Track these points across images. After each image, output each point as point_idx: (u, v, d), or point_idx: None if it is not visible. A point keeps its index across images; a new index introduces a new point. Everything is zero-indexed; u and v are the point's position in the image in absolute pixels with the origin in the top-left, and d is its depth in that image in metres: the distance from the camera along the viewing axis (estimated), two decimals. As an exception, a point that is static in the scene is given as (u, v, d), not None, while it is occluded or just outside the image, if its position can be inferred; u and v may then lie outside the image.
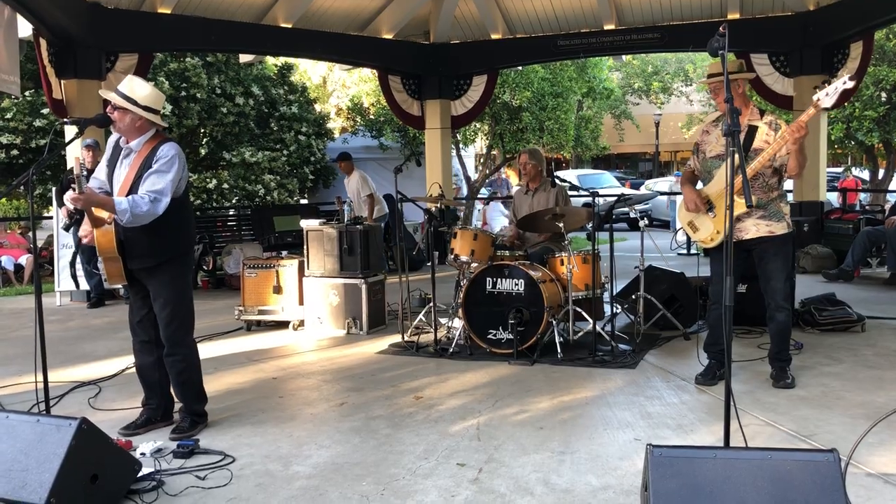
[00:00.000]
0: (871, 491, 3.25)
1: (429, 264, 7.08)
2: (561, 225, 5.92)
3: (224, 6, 9.95)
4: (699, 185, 5.02)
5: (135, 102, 3.99)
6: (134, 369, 4.44)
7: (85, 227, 4.11)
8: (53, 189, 9.14)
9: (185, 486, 3.50)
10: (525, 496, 3.31)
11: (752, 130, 4.63)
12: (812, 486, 2.54)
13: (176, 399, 4.36)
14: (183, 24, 9.69)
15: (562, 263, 6.06)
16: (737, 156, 3.09)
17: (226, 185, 13.77)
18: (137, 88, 4.05)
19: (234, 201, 14.20)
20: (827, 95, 4.18)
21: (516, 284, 5.76)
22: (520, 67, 14.29)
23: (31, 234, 12.17)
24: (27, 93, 12.03)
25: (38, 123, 12.13)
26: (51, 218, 9.41)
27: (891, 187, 16.45)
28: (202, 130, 14.25)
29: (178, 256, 4.20)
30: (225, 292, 9.81)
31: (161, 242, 4.09)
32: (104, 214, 3.99)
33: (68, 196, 3.86)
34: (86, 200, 3.85)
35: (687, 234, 5.10)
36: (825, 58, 10.21)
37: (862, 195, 16.79)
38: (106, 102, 4.06)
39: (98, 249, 4.04)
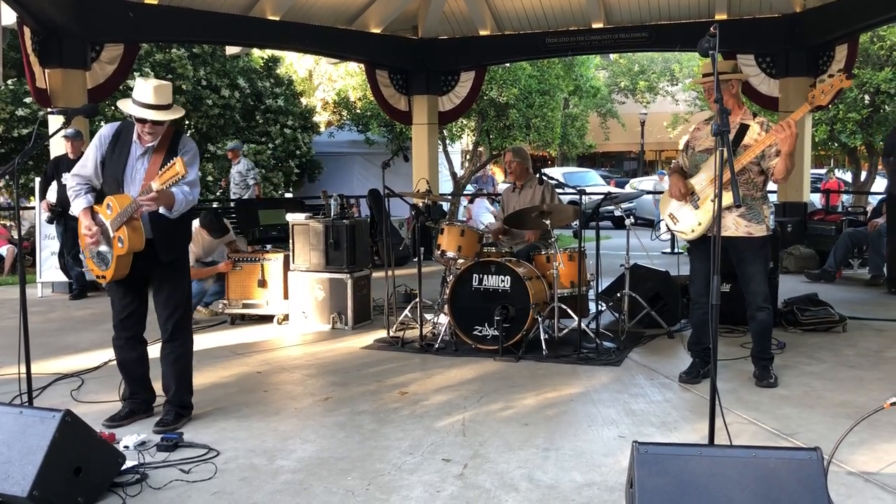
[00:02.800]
0: (852, 489, 3.29)
1: (415, 260, 7.07)
2: (548, 222, 5.93)
3: (211, -3, 9.89)
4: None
5: (169, 106, 4.00)
6: (115, 362, 4.40)
7: (90, 224, 4.00)
8: (37, 180, 9.05)
9: (169, 479, 3.48)
10: (510, 492, 3.32)
11: (744, 129, 4.65)
12: (795, 483, 2.57)
13: (164, 390, 4.32)
14: (169, 15, 9.60)
15: (548, 261, 6.07)
16: (725, 154, 3.11)
17: (210, 178, 13.70)
18: (168, 93, 4.02)
19: (218, 194, 14.12)
20: (823, 94, 4.21)
21: (503, 281, 5.77)
22: (507, 64, 14.30)
23: (11, 224, 12.05)
24: (10, 81, 11.90)
25: (20, 112, 12.00)
26: (32, 208, 9.30)
27: (873, 189, 16.60)
28: (187, 122, 14.17)
29: (188, 246, 4.43)
30: (209, 285, 9.75)
31: (183, 233, 4.31)
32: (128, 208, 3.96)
33: (146, 197, 3.81)
34: (165, 198, 3.88)
35: (669, 227, 5.11)
36: (811, 59, 10.28)
37: (844, 197, 16.94)
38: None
39: (126, 247, 3.94)
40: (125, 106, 4.01)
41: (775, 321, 6.36)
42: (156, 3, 9.38)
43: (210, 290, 7.35)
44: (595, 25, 11.17)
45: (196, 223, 7.02)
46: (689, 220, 4.87)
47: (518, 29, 11.76)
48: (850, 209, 14.17)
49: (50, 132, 6.03)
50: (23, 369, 3.75)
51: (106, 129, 4.14)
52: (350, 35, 11.47)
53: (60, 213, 8.34)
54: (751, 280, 4.78)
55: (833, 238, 9.79)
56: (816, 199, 14.75)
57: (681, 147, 5.20)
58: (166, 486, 3.42)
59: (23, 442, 3.08)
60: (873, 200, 15.33)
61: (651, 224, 17.88)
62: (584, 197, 5.91)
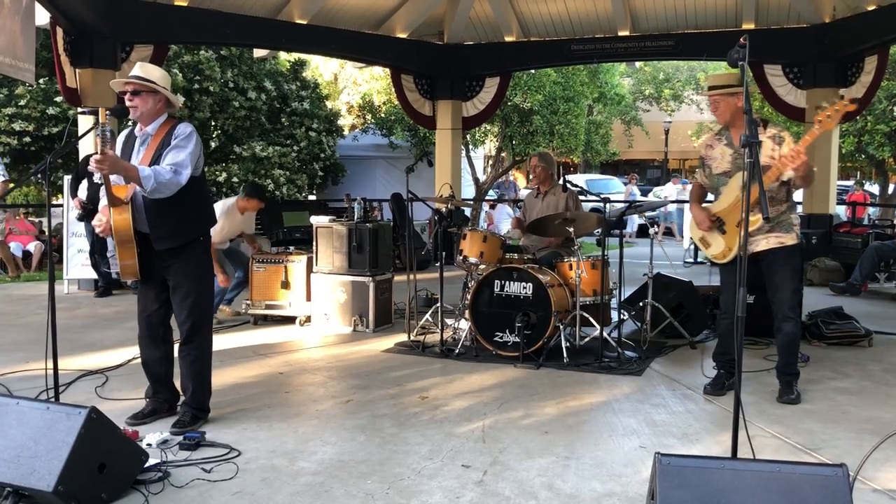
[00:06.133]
0: (877, 507, 3.25)
1: (436, 264, 7.08)
2: (571, 229, 5.92)
3: (240, 0, 9.97)
4: (709, 199, 5.00)
5: (155, 84, 4.04)
6: (140, 360, 4.44)
7: (101, 217, 4.09)
8: (65, 178, 9.17)
9: (190, 478, 3.51)
10: (530, 500, 3.31)
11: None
12: (820, 500, 2.54)
13: (182, 391, 4.36)
14: (199, 17, 9.72)
15: (570, 268, 6.05)
16: (749, 170, 3.09)
17: (235, 179, 13.79)
18: (152, 71, 4.12)
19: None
20: (829, 118, 4.14)
21: (524, 288, 5.76)
22: (532, 71, 14.29)
23: (39, 220, 12.21)
24: (41, 80, 12.06)
25: (51, 111, 12.17)
26: (61, 206, 9.43)
27: (901, 202, 16.42)
28: (213, 123, 14.28)
29: (201, 238, 4.23)
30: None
31: (185, 220, 4.11)
32: (121, 194, 3.98)
33: (92, 160, 3.77)
34: (112, 163, 3.76)
35: (703, 252, 5.09)
36: (839, 71, 10.18)
37: (871, 209, 16.75)
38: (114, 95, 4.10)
39: (114, 231, 3.98)
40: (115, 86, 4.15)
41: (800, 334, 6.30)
42: (185, 4, 9.49)
43: (233, 283, 7.28)
44: (621, 33, 11.14)
45: (232, 200, 7.14)
46: (720, 246, 4.83)
47: (544, 35, 11.76)
48: (876, 222, 14.01)
49: (80, 132, 6.11)
50: (50, 365, 3.80)
51: (124, 132, 4.26)
52: (376, 39, 11.53)
53: (91, 211, 8.44)
54: (779, 288, 4.69)
55: (859, 251, 9.67)
56: (842, 212, 14.58)
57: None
58: (188, 484, 3.45)
59: (49, 437, 3.11)
60: (901, 213, 15.14)
61: (672, 233, 17.79)
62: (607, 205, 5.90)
